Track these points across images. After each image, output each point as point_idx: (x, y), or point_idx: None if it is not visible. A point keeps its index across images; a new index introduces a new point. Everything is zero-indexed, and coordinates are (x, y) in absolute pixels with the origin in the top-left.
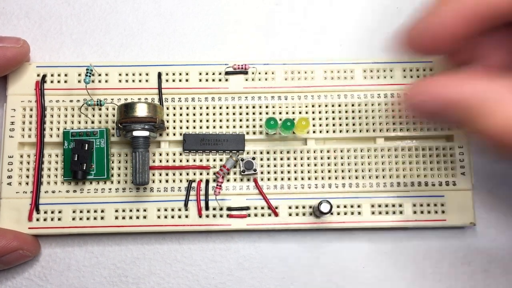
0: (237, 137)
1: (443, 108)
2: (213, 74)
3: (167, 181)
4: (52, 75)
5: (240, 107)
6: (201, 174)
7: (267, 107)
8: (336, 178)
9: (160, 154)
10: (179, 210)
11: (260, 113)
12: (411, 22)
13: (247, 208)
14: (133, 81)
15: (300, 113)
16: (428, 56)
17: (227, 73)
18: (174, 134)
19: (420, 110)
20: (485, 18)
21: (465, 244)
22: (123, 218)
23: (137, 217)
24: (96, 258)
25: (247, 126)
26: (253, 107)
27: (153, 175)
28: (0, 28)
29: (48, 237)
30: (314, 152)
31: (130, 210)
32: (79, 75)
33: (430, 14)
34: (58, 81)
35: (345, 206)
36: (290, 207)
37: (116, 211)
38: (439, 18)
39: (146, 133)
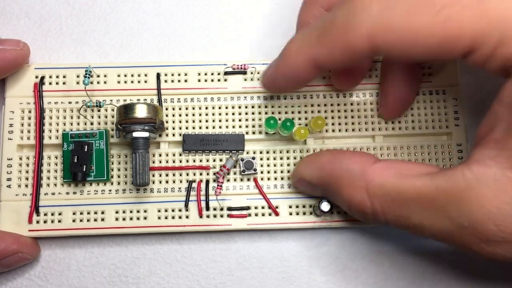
0: (236, 137)
1: (310, 187)
2: (212, 74)
3: (167, 181)
4: (50, 77)
5: (239, 107)
6: (201, 174)
7: (266, 107)
8: None
9: (160, 155)
10: (180, 210)
11: (260, 113)
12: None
13: (248, 208)
14: (132, 82)
15: (299, 112)
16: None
17: (226, 73)
18: (173, 135)
19: (299, 188)
20: (318, 69)
21: None
22: (124, 219)
23: (138, 218)
24: (96, 258)
25: (247, 126)
26: (252, 107)
27: (153, 176)
28: (0, 28)
29: (48, 238)
30: (314, 151)
31: (131, 211)
32: (78, 76)
33: (276, 63)
34: (57, 83)
35: None
36: (290, 207)
37: (117, 212)
38: (282, 69)
39: (146, 134)
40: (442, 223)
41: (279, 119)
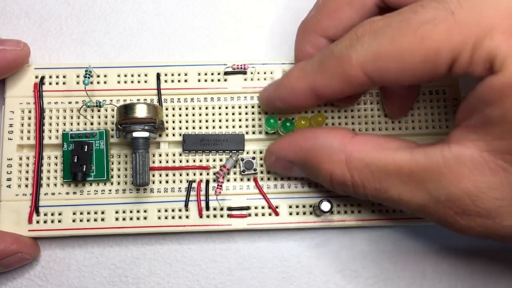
0: (236, 137)
1: (287, 166)
2: (212, 74)
3: (167, 181)
4: (50, 77)
5: (239, 107)
6: (201, 174)
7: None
8: None
9: (160, 155)
10: (180, 210)
11: (259, 113)
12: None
13: (248, 208)
14: (132, 82)
15: (299, 112)
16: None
17: (226, 73)
18: (173, 135)
19: (275, 169)
20: (317, 97)
21: (465, 244)
22: (124, 219)
23: (138, 218)
24: (96, 258)
25: (247, 126)
26: (252, 106)
27: (153, 176)
28: (0, 28)
29: (48, 238)
30: None
31: (131, 211)
32: (78, 76)
33: (276, 85)
34: (57, 83)
35: (345, 205)
36: (290, 207)
37: (117, 212)
38: (281, 92)
39: (146, 134)
40: (420, 196)
41: (279, 119)
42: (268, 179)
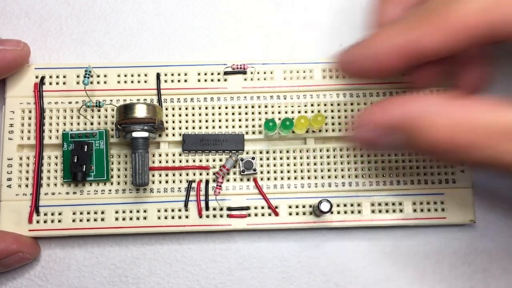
0: (236, 137)
1: (385, 134)
2: (212, 74)
3: (167, 181)
4: (50, 77)
5: (239, 107)
6: (201, 174)
7: (266, 106)
8: (336, 177)
9: (160, 155)
10: (179, 210)
11: (259, 113)
12: (347, 47)
13: (247, 208)
14: (132, 82)
15: (299, 112)
16: (362, 79)
17: (225, 73)
18: (173, 135)
19: (366, 142)
20: (413, 58)
21: (465, 244)
22: (123, 219)
23: (137, 218)
24: (96, 258)
25: (246, 126)
26: (252, 106)
27: (153, 176)
28: (0, 28)
29: (48, 237)
30: (314, 151)
31: (130, 211)
32: (78, 76)
33: (364, 43)
34: (57, 83)
35: (345, 205)
36: (290, 207)
37: (116, 212)
38: (370, 50)
39: (145, 134)
40: None
41: (279, 119)
42: (268, 179)
